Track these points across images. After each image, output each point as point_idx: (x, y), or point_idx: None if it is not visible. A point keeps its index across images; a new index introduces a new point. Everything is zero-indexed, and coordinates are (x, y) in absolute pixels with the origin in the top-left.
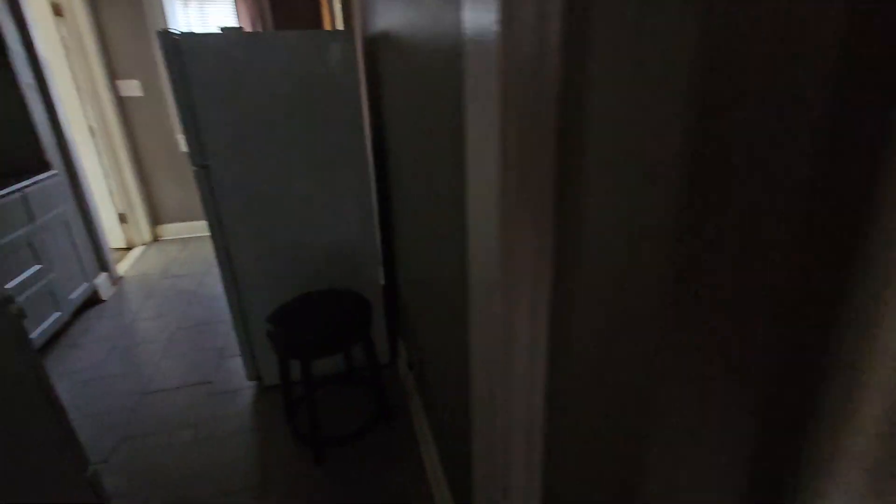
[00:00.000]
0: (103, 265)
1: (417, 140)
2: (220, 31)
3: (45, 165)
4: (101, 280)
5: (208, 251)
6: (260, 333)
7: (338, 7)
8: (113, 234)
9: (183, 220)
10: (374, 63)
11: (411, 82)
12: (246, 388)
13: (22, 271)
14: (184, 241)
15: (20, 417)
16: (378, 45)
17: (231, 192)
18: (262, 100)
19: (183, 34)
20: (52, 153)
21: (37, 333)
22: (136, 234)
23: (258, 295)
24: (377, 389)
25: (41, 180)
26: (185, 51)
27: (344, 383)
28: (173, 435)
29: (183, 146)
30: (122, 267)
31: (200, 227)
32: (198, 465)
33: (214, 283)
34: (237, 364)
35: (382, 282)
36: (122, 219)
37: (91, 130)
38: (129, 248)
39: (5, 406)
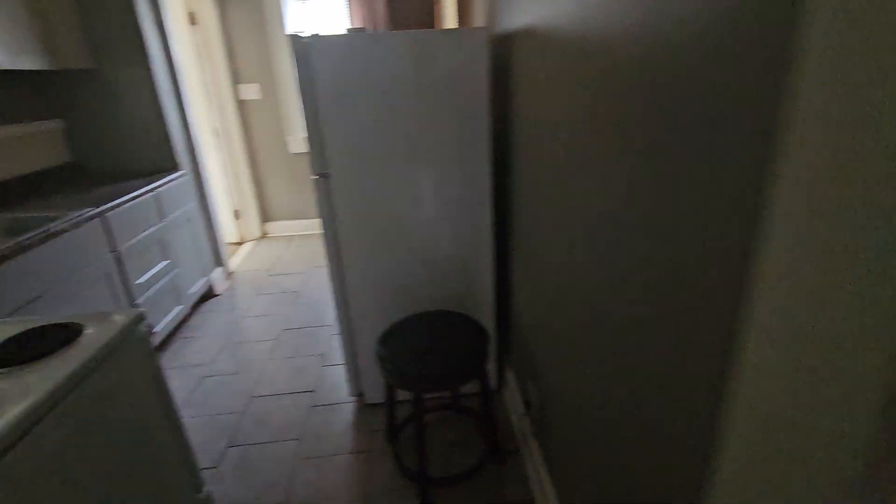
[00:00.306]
0: (219, 260)
1: (611, 147)
2: (346, 33)
3: (175, 166)
4: (217, 275)
5: (312, 251)
6: (365, 348)
7: (450, 4)
8: (227, 230)
9: (289, 219)
10: (507, 64)
11: (612, 84)
12: (348, 403)
13: (151, 267)
14: (288, 239)
15: (142, 438)
16: (514, 44)
17: (349, 201)
18: (387, 106)
19: (312, 37)
20: (182, 154)
21: (160, 326)
22: (248, 230)
23: (367, 308)
24: (489, 427)
25: (171, 180)
26: (313, 53)
27: (449, 409)
28: (278, 446)
29: (293, 147)
30: (234, 262)
31: (305, 226)
32: (300, 484)
33: (317, 286)
34: (338, 374)
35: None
36: (236, 215)
37: (214, 131)
38: (240, 243)
39: (131, 426)
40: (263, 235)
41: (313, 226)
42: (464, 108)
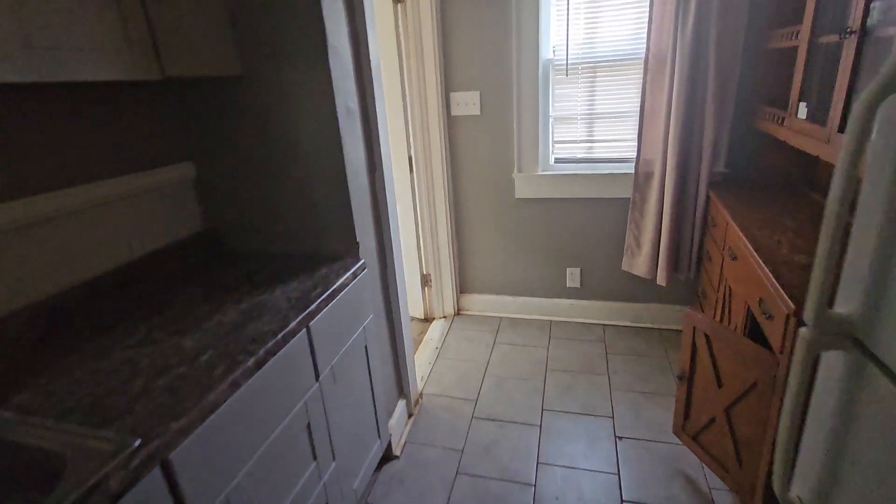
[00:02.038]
0: (403, 388)
1: None
2: None
3: (352, 246)
4: (397, 416)
5: (537, 356)
6: None
7: None
8: (411, 301)
9: (496, 292)
10: None
11: None
12: None
13: (293, 480)
14: (492, 323)
15: None
16: None
17: None
18: None
19: None
20: (364, 225)
21: None
22: (438, 302)
23: None
24: None
25: (346, 282)
26: None
27: None
28: None
29: (524, 189)
30: (421, 363)
31: (520, 306)
32: None
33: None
34: None
35: None
36: (426, 281)
37: (410, 163)
38: (425, 320)
39: None
40: (458, 312)
41: (533, 307)
42: None
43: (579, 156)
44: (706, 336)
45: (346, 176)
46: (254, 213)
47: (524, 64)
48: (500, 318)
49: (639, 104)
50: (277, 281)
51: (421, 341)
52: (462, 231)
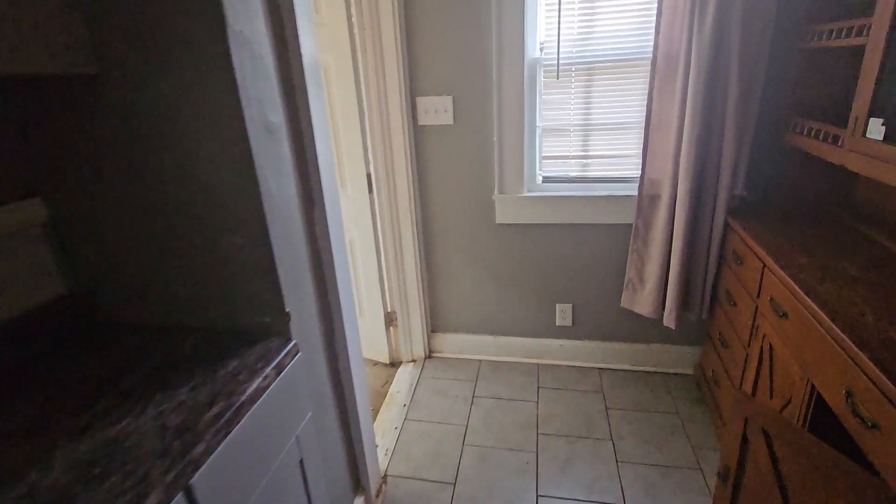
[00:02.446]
0: (360, 480)
1: None
2: None
3: (279, 319)
4: None
5: (522, 409)
6: None
7: None
8: (373, 342)
9: (476, 332)
10: None
11: None
12: None
13: None
14: (467, 366)
15: None
16: None
17: None
18: None
19: None
20: (298, 286)
21: None
22: (406, 344)
23: None
24: None
25: (264, 386)
26: None
27: None
28: None
29: (506, 213)
30: (385, 427)
31: (501, 348)
32: None
33: None
34: None
35: None
36: (391, 320)
37: (369, 182)
38: (391, 365)
39: None
40: (430, 355)
41: (518, 348)
42: None
43: (572, 174)
44: (765, 433)
45: (264, 218)
46: (139, 269)
47: (506, 63)
48: (480, 361)
49: (644, 114)
50: (157, 385)
51: (385, 395)
52: (433, 261)
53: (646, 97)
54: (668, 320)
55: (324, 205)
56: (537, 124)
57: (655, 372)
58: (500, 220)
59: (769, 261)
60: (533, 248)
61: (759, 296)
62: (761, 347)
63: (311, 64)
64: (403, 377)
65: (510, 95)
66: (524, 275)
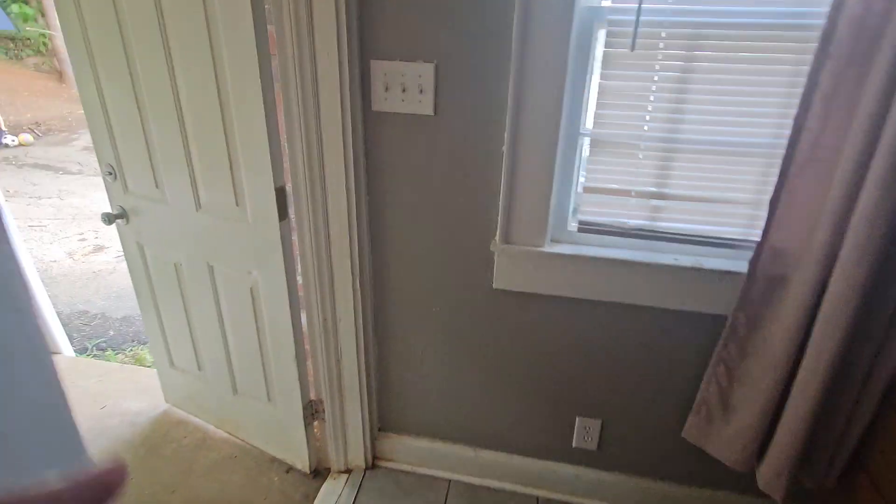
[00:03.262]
0: None
1: None
2: None
3: None
4: None
5: None
6: None
7: None
8: (286, 438)
9: (440, 437)
10: None
11: None
12: None
13: None
14: (430, 487)
15: None
16: None
17: None
18: None
19: None
20: None
21: None
22: (337, 446)
23: None
24: None
25: None
26: None
27: None
28: None
29: (508, 276)
30: None
31: (483, 467)
32: None
33: None
34: None
35: None
36: (313, 411)
37: (282, 201)
38: (314, 476)
39: None
40: (374, 464)
41: (511, 471)
42: None
43: (633, 223)
44: None
45: None
46: None
47: (538, 11)
48: (449, 482)
49: (788, 131)
50: None
51: None
52: (386, 329)
53: (797, 100)
54: (770, 485)
55: None
56: (583, 129)
57: None
58: (499, 283)
59: None
60: (550, 330)
61: None
62: None
63: None
64: (329, 498)
65: (540, 71)
66: (531, 368)
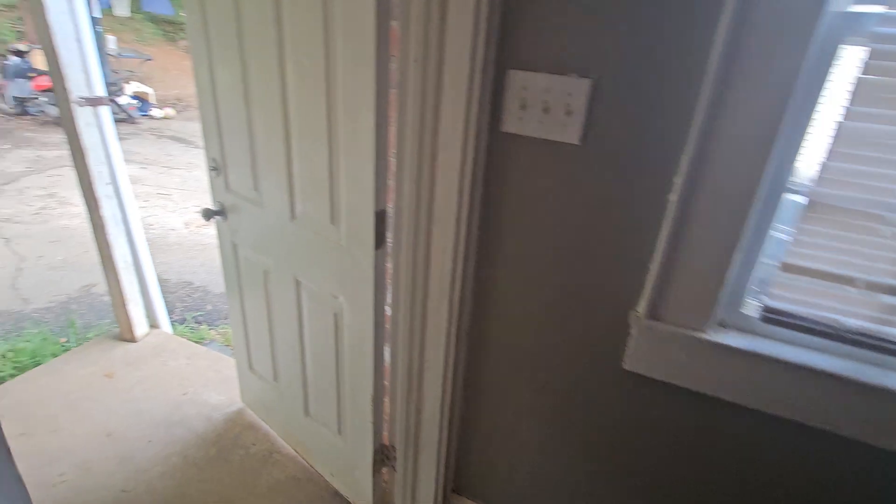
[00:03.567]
0: None
1: None
2: None
3: None
4: None
5: None
6: None
7: None
8: (350, 476)
9: None
10: None
11: None
12: None
13: None
14: None
15: None
16: None
17: None
18: None
19: None
20: None
21: None
22: (405, 499)
23: None
24: None
25: None
26: None
27: None
28: None
29: (646, 359)
30: None
31: None
32: None
33: None
34: None
35: None
36: (384, 457)
37: (380, 224)
38: None
39: None
40: None
41: None
42: None
43: (852, 324)
44: None
45: None
46: None
47: (759, 19)
48: None
49: None
50: None
51: None
52: (479, 385)
53: None
54: None
55: None
56: (794, 182)
57: None
58: (632, 365)
59: None
60: (697, 438)
61: None
62: None
63: None
64: None
65: (747, 99)
66: (660, 476)
